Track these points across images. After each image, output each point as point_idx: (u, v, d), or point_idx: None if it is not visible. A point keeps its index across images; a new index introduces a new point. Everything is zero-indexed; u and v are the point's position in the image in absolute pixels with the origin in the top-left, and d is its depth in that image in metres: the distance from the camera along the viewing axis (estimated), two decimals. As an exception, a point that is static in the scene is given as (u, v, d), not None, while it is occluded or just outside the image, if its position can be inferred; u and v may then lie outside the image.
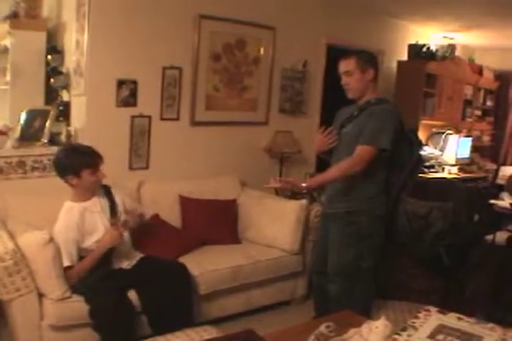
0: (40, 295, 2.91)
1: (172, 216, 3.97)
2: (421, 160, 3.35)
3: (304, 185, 3.11)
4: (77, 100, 3.96)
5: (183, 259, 3.57)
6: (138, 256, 3.32)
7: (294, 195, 4.84)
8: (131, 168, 4.11)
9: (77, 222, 3.04)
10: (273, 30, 4.84)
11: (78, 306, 2.92)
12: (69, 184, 3.07)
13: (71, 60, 4.00)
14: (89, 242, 3.07)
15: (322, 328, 2.04)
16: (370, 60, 3.18)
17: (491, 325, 2.14)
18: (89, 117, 3.86)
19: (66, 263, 2.96)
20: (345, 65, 3.15)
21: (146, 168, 4.19)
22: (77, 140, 3.87)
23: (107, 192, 3.25)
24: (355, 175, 3.08)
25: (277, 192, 4.89)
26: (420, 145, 3.35)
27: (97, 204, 3.17)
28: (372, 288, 3.35)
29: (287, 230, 3.91)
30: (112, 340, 2.87)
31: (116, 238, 3.06)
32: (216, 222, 4.02)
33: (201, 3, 4.32)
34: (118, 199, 3.28)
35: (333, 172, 3.11)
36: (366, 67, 3.12)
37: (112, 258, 3.16)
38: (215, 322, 3.35)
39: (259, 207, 4.18)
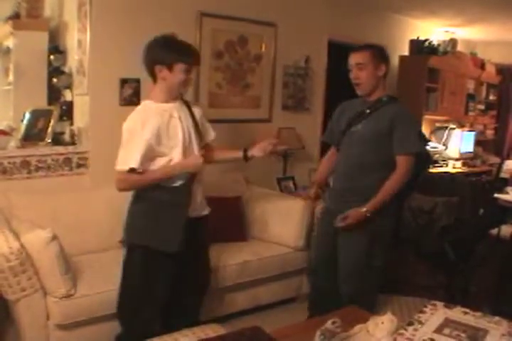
0: (46, 294, 2.92)
1: (176, 214, 3.96)
2: (429, 157, 3.34)
3: (364, 209, 3.02)
4: (80, 99, 3.96)
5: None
6: (206, 209, 3.05)
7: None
8: (135, 166, 4.11)
9: (154, 123, 2.70)
10: (274, 26, 4.84)
11: (83, 302, 2.94)
12: (154, 77, 2.77)
13: (73, 59, 4.01)
14: (165, 148, 2.74)
15: (328, 324, 2.05)
16: (384, 55, 3.11)
17: (496, 318, 2.15)
18: (93, 116, 3.86)
19: (131, 164, 2.63)
20: (359, 57, 3.03)
21: (150, 166, 4.20)
22: (80, 139, 3.89)
23: (188, 107, 2.92)
24: (372, 174, 3.08)
25: (281, 188, 4.90)
26: (426, 142, 3.32)
27: (178, 111, 2.81)
28: (378, 285, 3.35)
29: (292, 227, 3.91)
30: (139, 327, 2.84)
31: (199, 165, 2.78)
32: (221, 219, 4.01)
33: (202, 1, 4.32)
34: (197, 115, 2.97)
35: (388, 190, 3.03)
36: (380, 62, 3.06)
37: (191, 201, 2.87)
38: (221, 319, 3.36)
39: (264, 204, 4.18)
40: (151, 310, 2.87)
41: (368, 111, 3.10)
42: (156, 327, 2.84)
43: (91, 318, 2.98)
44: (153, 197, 2.77)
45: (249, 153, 3.13)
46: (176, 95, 2.83)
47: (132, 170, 2.65)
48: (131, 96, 3.98)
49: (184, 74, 2.73)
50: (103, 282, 3.09)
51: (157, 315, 2.90)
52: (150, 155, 2.69)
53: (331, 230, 3.22)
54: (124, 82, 3.92)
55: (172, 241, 2.73)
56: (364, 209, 3.01)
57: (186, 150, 2.81)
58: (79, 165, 3.86)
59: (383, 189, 3.02)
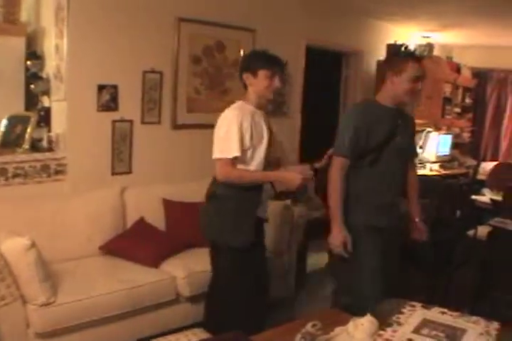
0: (25, 303, 2.89)
1: (156, 219, 3.97)
2: None
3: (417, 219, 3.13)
4: (58, 105, 3.94)
5: (168, 262, 3.59)
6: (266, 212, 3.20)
7: (278, 195, 4.85)
8: (113, 172, 4.09)
9: (250, 119, 2.90)
10: (253, 32, 4.86)
11: (63, 310, 2.93)
12: (245, 84, 3.01)
13: (51, 65, 3.98)
14: (254, 152, 2.95)
15: (308, 327, 2.06)
16: None
17: (474, 318, 2.18)
18: (71, 122, 3.85)
19: (234, 152, 2.83)
20: (423, 69, 2.94)
21: (129, 172, 4.19)
22: (58, 145, 3.86)
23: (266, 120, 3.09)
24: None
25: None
26: None
27: (263, 119, 3.02)
28: None
29: (272, 231, 3.92)
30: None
31: (299, 182, 2.84)
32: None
33: (180, 6, 4.32)
34: (273, 129, 3.15)
35: (418, 190, 3.17)
36: None
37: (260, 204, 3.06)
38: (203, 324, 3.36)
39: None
40: (240, 304, 3.01)
41: (399, 121, 3.01)
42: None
43: (72, 326, 2.97)
44: (229, 196, 2.94)
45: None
46: (264, 101, 3.04)
47: (235, 159, 2.85)
48: (109, 102, 3.97)
49: (268, 80, 2.92)
50: (83, 289, 3.08)
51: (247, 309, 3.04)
52: (244, 146, 2.87)
53: (383, 248, 3.00)
54: (101, 87, 3.92)
55: (244, 238, 2.93)
56: (418, 218, 3.16)
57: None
58: (57, 172, 3.83)
59: (418, 193, 3.16)
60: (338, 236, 2.85)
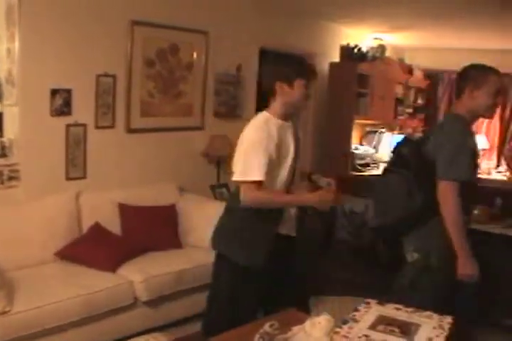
0: (-20, 312, 2.84)
1: (112, 224, 3.94)
2: None
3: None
4: (10, 110, 3.87)
5: (125, 266, 3.57)
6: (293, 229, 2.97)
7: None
8: (68, 177, 4.04)
9: (276, 134, 2.69)
10: (206, 34, 4.86)
11: (20, 319, 2.89)
12: (275, 93, 2.78)
13: (2, 69, 3.90)
14: (279, 169, 2.75)
15: (266, 327, 2.07)
16: None
17: (427, 312, 2.23)
18: (23, 127, 3.79)
19: (257, 176, 2.59)
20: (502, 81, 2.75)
21: (84, 177, 4.14)
22: (11, 151, 3.80)
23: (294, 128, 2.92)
24: None
25: (215, 195, 4.93)
26: None
27: (290, 131, 2.84)
28: None
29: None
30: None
31: (328, 201, 2.65)
32: (156, 227, 4.02)
33: (133, 9, 4.30)
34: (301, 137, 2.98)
35: None
36: None
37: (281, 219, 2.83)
38: (163, 328, 3.35)
39: (199, 211, 4.20)
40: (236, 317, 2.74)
41: None
42: None
43: (29, 334, 2.92)
44: (245, 211, 2.72)
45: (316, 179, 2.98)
46: (292, 111, 2.86)
47: (257, 183, 2.61)
48: (62, 106, 3.93)
49: (304, 89, 2.76)
50: (40, 297, 3.04)
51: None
52: (268, 167, 2.65)
53: None
54: (54, 92, 3.87)
55: (254, 257, 2.73)
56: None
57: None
58: (10, 178, 3.77)
59: None
60: (472, 267, 2.63)
